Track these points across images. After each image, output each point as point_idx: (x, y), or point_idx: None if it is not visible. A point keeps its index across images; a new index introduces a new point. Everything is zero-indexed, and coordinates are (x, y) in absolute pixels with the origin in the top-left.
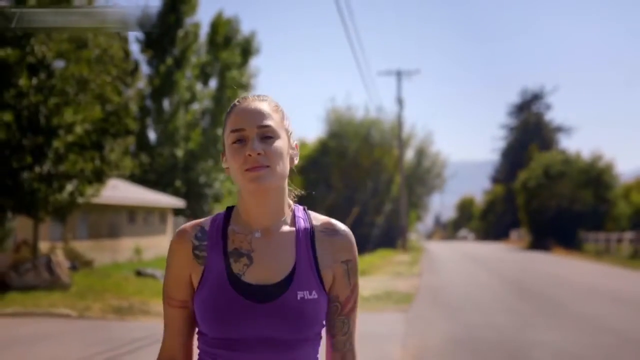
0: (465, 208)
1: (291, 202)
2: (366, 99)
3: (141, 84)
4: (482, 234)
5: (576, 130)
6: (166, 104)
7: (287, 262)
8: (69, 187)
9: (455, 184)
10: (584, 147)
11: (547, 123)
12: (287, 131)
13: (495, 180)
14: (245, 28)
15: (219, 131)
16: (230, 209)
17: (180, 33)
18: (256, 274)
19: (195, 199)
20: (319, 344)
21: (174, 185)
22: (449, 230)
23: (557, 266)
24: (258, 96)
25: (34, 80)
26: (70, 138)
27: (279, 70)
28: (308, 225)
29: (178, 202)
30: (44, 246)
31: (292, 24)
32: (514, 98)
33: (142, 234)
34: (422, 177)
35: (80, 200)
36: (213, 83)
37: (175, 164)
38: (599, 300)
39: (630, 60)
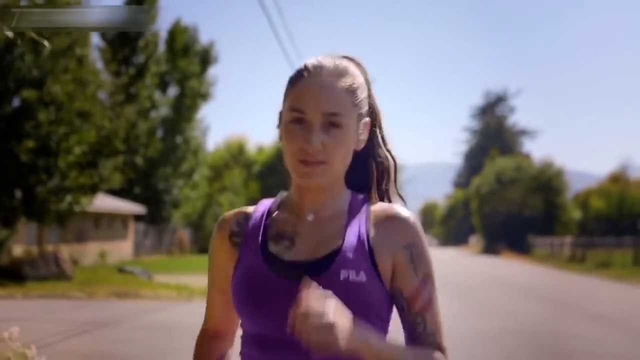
0: (428, 213)
1: (349, 191)
2: None
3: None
4: (443, 239)
5: (541, 134)
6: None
7: (333, 241)
8: (68, 198)
9: (421, 188)
10: (552, 150)
11: (510, 126)
12: (359, 115)
13: (457, 184)
14: (204, 38)
15: (178, 139)
16: (281, 195)
17: (142, 43)
18: (296, 254)
19: (154, 205)
20: None
21: (133, 191)
22: None
23: (491, 267)
24: (335, 67)
25: (48, 115)
26: (71, 158)
27: (237, 79)
28: (365, 210)
29: (138, 209)
30: (19, 249)
31: (248, 35)
32: (478, 100)
33: (106, 239)
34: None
35: (77, 209)
36: (171, 91)
37: (135, 171)
38: (503, 289)
39: (605, 58)
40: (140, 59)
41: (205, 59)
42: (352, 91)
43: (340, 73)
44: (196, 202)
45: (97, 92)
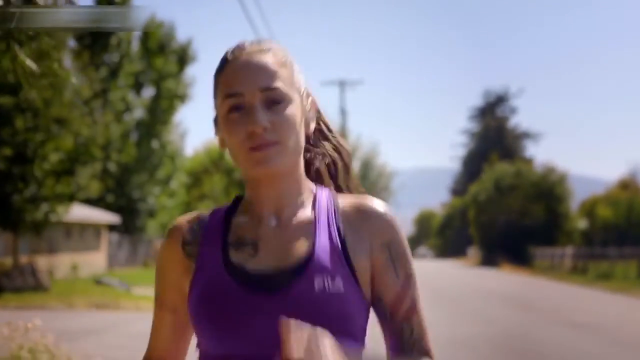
0: (424, 222)
1: (312, 184)
2: None
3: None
4: (440, 251)
5: (545, 136)
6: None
7: (301, 248)
8: (44, 207)
9: (415, 195)
10: (556, 155)
11: (512, 129)
12: (299, 91)
13: (454, 191)
14: (181, 35)
15: (154, 143)
16: (238, 199)
17: (114, 41)
18: (262, 263)
19: (128, 214)
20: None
21: (106, 200)
22: None
23: (489, 279)
24: (258, 44)
25: (25, 121)
26: (47, 166)
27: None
28: (331, 205)
29: (112, 218)
30: None
31: (227, 32)
32: (477, 100)
33: (78, 250)
34: (368, 190)
35: (53, 218)
36: (146, 92)
37: (103, 176)
38: (497, 303)
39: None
40: (112, 57)
41: (183, 57)
42: (284, 64)
43: (267, 48)
44: (173, 211)
45: (74, 98)
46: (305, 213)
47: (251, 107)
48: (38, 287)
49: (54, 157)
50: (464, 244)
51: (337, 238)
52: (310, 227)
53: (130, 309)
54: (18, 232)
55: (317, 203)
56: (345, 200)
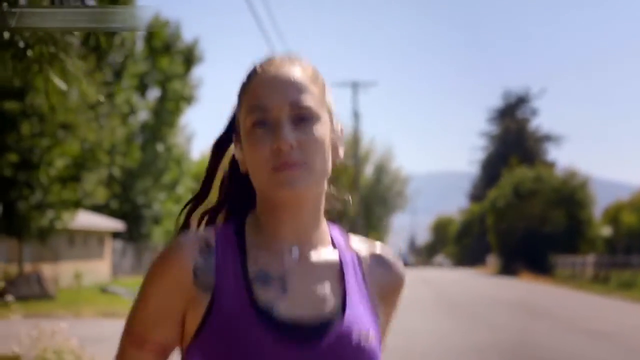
0: (441, 229)
1: (325, 219)
2: None
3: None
4: (458, 259)
5: (568, 139)
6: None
7: (334, 292)
8: (50, 214)
9: (432, 201)
10: (579, 158)
11: (533, 131)
12: (329, 110)
13: (473, 197)
14: (187, 35)
15: (160, 147)
16: (238, 218)
17: (117, 40)
18: (293, 307)
19: (133, 221)
20: None
21: (110, 206)
22: (424, 255)
23: (507, 289)
24: (289, 57)
25: (30, 127)
26: (53, 172)
27: (224, 80)
28: (352, 251)
29: (116, 225)
30: None
31: (236, 31)
32: (497, 101)
33: (81, 258)
34: (382, 195)
35: (58, 225)
36: (152, 93)
37: (109, 182)
38: (513, 313)
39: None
40: (116, 58)
41: (189, 57)
42: (314, 80)
43: (298, 62)
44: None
45: (80, 102)
46: (327, 250)
47: (278, 123)
48: (44, 295)
49: (60, 163)
50: (483, 251)
51: (363, 285)
52: (336, 267)
53: None
54: (23, 240)
55: (335, 241)
56: (359, 244)
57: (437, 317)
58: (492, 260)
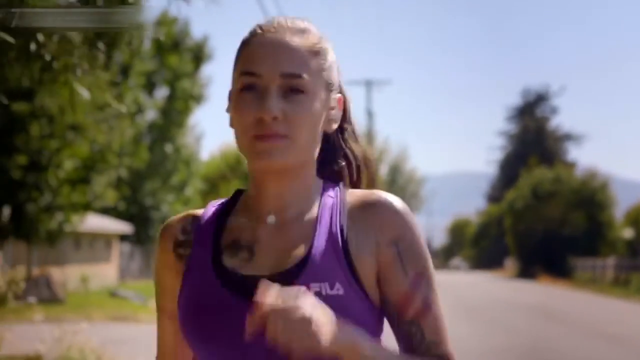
0: (458, 231)
1: (321, 183)
2: None
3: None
4: (475, 262)
5: (589, 138)
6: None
7: (299, 250)
8: (59, 217)
9: (449, 202)
10: (600, 158)
11: (552, 130)
12: (327, 84)
13: (491, 198)
14: (196, 32)
15: (168, 147)
16: (238, 193)
17: (124, 37)
18: (256, 268)
19: (141, 223)
20: None
21: (117, 208)
22: (440, 258)
23: (525, 293)
24: (293, 22)
25: (40, 128)
26: (62, 174)
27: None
28: (337, 202)
29: (123, 228)
30: None
31: (245, 28)
32: (515, 99)
33: (88, 262)
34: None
35: (67, 228)
36: (160, 92)
37: (118, 184)
38: (531, 317)
39: None
40: (122, 55)
41: (198, 55)
42: (316, 52)
43: (302, 30)
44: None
45: (90, 103)
46: (309, 213)
47: (266, 92)
48: (53, 299)
49: (69, 165)
50: (501, 254)
51: (340, 238)
52: (310, 228)
53: (149, 322)
54: (31, 243)
55: (322, 200)
56: (353, 195)
57: (453, 322)
58: (510, 263)
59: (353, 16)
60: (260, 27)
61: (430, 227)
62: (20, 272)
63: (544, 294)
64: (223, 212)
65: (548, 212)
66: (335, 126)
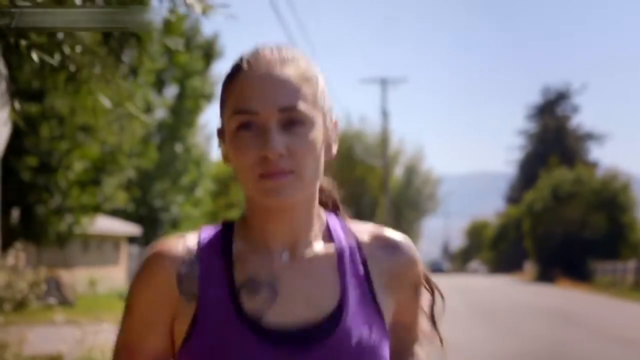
0: (476, 234)
1: (321, 211)
2: (347, 106)
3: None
4: (494, 265)
5: (612, 138)
6: (126, 121)
7: (330, 292)
8: (69, 219)
9: (466, 204)
10: (623, 157)
11: (573, 129)
12: (322, 110)
13: (510, 199)
14: (206, 29)
15: (178, 147)
16: (228, 224)
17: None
18: (285, 313)
19: (150, 225)
20: None
21: (126, 210)
22: (458, 261)
23: (543, 297)
24: (279, 52)
25: (50, 130)
26: (72, 176)
27: None
28: (352, 240)
29: (132, 229)
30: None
31: (257, 24)
32: (535, 98)
33: (96, 264)
34: (413, 198)
35: (77, 230)
36: (169, 91)
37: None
38: (550, 322)
39: None
40: (131, 53)
41: (209, 53)
42: (307, 79)
43: (290, 59)
44: (199, 221)
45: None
46: (323, 246)
47: (266, 129)
48: (63, 302)
49: (79, 167)
50: (520, 257)
51: (364, 276)
52: (331, 267)
53: None
54: (41, 245)
55: (332, 233)
56: (361, 230)
57: (470, 326)
58: (529, 266)
59: (368, 13)
60: (247, 60)
61: (448, 229)
62: (42, 273)
63: (563, 297)
64: (226, 243)
65: (568, 214)
66: (335, 151)
